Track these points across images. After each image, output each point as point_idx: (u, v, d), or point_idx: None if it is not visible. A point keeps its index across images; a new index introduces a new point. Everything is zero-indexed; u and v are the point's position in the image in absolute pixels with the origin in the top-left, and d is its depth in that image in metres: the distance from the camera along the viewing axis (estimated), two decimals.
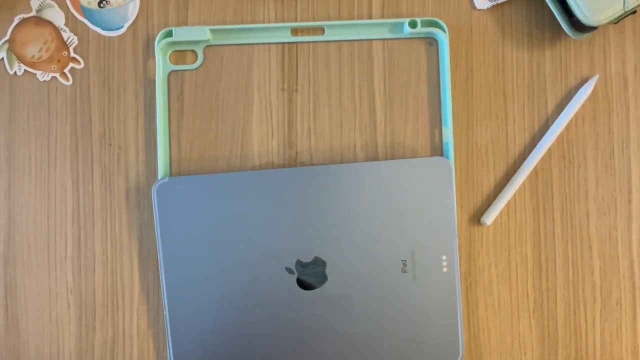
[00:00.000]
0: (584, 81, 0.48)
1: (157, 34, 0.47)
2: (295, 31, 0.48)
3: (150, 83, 0.48)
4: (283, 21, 0.48)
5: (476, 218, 0.48)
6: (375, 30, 0.48)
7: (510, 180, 0.47)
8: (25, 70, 0.48)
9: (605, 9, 0.43)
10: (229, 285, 0.45)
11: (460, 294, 0.46)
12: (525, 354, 0.47)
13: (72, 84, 0.48)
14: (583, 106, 0.48)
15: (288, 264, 0.45)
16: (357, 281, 0.45)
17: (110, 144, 0.48)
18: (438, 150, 0.48)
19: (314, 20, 0.48)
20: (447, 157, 0.47)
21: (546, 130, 0.48)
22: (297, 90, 0.48)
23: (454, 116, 0.48)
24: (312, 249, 0.45)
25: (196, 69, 0.48)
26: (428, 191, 0.45)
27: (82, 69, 0.48)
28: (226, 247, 0.45)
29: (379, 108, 0.48)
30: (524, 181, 0.47)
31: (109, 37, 0.48)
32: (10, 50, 0.48)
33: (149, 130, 0.48)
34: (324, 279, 0.45)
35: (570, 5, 0.44)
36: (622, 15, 0.44)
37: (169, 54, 0.48)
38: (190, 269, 0.45)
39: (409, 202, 0.45)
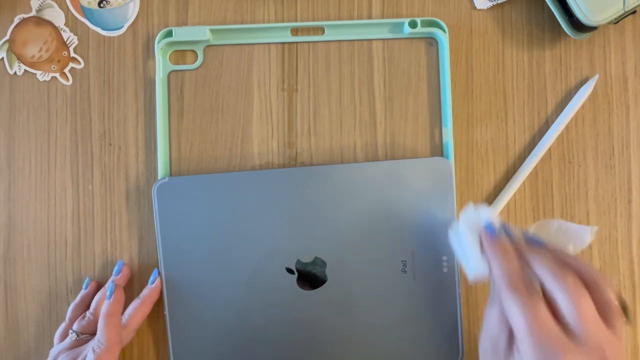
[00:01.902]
0: (584, 81, 0.48)
1: (157, 34, 0.47)
2: (295, 31, 0.48)
3: (150, 83, 0.48)
4: (283, 21, 0.48)
5: None
6: (375, 30, 0.48)
7: (510, 180, 0.47)
8: (25, 70, 0.48)
9: (605, 9, 0.43)
10: (228, 285, 0.45)
11: (460, 294, 0.46)
12: None
13: (72, 84, 0.48)
14: (583, 106, 0.48)
15: (288, 264, 0.45)
16: (357, 281, 0.45)
17: (110, 144, 0.48)
18: (438, 150, 0.48)
19: (314, 20, 0.48)
20: (447, 157, 0.47)
21: (546, 130, 0.48)
22: (297, 90, 0.48)
23: (454, 116, 0.48)
24: (312, 249, 0.45)
25: (196, 69, 0.48)
26: (428, 191, 0.45)
27: (82, 69, 0.48)
28: (226, 247, 0.45)
29: (379, 108, 0.48)
30: (524, 181, 0.47)
31: (109, 37, 0.48)
32: (10, 50, 0.48)
33: (149, 130, 0.48)
34: (324, 279, 0.45)
35: (570, 5, 0.44)
36: (622, 15, 0.44)
37: (169, 54, 0.48)
38: (190, 269, 0.45)
39: (409, 202, 0.45)
